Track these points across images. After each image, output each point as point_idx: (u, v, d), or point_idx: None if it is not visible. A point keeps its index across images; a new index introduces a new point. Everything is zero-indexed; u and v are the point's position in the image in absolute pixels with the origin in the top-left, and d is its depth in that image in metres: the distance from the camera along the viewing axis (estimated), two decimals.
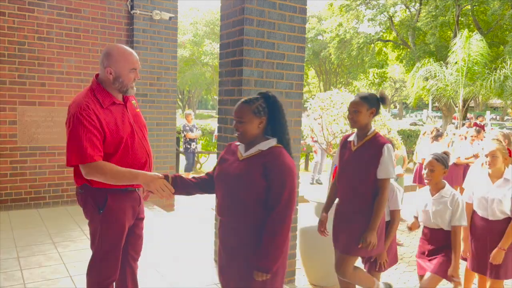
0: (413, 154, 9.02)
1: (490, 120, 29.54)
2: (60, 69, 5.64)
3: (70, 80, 5.71)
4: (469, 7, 20.93)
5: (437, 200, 2.91)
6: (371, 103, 2.65)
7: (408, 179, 7.78)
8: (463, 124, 12.47)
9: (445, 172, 2.92)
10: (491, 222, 3.04)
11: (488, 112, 31.67)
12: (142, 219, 2.47)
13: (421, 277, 3.06)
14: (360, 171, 2.66)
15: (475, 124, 12.02)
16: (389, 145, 2.63)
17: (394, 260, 3.11)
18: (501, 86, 14.13)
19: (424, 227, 3.05)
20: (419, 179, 6.82)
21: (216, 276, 3.57)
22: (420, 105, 39.49)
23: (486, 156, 3.07)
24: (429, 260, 2.96)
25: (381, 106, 2.75)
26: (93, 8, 5.80)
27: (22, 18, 5.36)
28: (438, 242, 2.93)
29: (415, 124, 29.53)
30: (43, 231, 4.55)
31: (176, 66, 6.44)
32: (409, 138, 12.66)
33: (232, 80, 3.51)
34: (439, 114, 36.51)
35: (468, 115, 17.95)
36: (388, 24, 25.50)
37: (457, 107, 15.03)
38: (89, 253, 2.32)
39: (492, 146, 3.06)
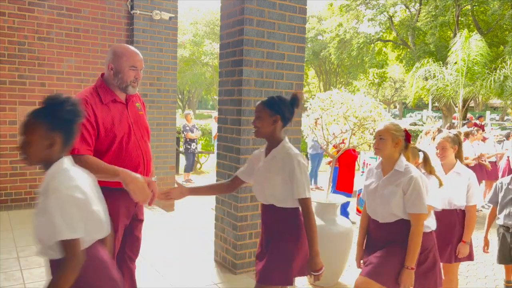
0: None
1: (490, 120, 29.55)
2: (60, 69, 5.64)
3: (70, 80, 5.71)
4: (469, 7, 20.94)
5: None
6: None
7: None
8: (463, 124, 12.46)
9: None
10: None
11: (488, 112, 31.68)
12: (141, 220, 2.46)
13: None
14: None
15: (475, 124, 12.01)
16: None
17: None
18: (501, 86, 14.13)
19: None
20: None
21: (216, 276, 3.57)
22: (420, 105, 39.47)
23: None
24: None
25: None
26: (93, 8, 5.80)
27: (22, 18, 5.36)
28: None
29: (415, 124, 29.53)
30: None
31: (176, 66, 6.44)
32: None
33: (232, 80, 3.51)
34: (439, 114, 36.51)
35: (468, 115, 17.93)
36: (388, 24, 25.50)
37: (457, 107, 15.04)
38: None
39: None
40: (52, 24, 5.55)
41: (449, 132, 3.14)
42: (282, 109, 2.20)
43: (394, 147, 2.49)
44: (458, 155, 3.11)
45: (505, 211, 3.32)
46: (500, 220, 3.37)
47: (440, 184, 2.76)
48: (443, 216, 3.02)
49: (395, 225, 2.47)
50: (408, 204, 2.41)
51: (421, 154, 2.87)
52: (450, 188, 3.00)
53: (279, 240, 2.20)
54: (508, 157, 7.75)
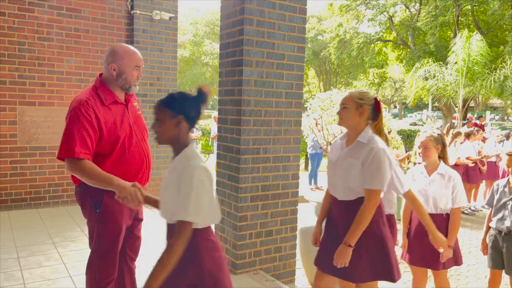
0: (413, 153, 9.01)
1: (490, 120, 29.55)
2: (60, 69, 5.64)
3: (70, 80, 5.71)
4: (469, 7, 20.95)
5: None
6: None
7: None
8: (463, 124, 12.46)
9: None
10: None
11: (488, 112, 31.67)
12: (141, 220, 2.47)
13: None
14: None
15: (475, 124, 12.02)
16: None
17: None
18: (501, 86, 14.14)
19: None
20: None
21: None
22: (420, 105, 39.48)
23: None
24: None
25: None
26: (93, 8, 5.80)
27: (22, 18, 5.36)
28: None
29: (415, 124, 29.55)
30: (43, 231, 4.55)
31: (176, 66, 6.43)
32: (409, 138, 12.67)
33: (232, 80, 3.51)
34: (439, 114, 36.49)
35: (468, 115, 17.94)
36: (388, 24, 25.51)
37: (457, 107, 15.04)
38: (89, 253, 2.32)
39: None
40: (52, 24, 5.55)
41: (433, 132, 3.02)
42: (186, 108, 1.79)
43: (359, 117, 2.27)
44: (442, 156, 2.99)
45: (499, 215, 3.20)
46: (493, 223, 3.24)
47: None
48: None
49: (355, 204, 2.24)
50: (365, 178, 2.18)
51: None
52: (434, 190, 2.90)
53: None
54: None
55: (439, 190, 2.90)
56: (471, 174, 7.18)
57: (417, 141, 3.05)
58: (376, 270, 2.31)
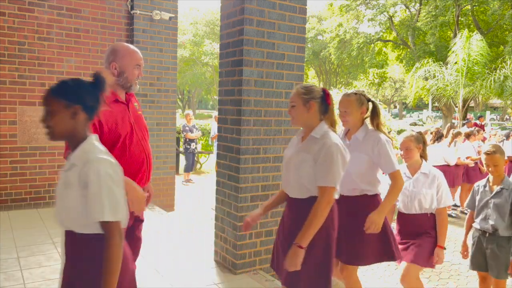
0: None
1: (490, 120, 29.55)
2: (60, 69, 5.64)
3: None
4: (469, 7, 20.95)
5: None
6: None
7: None
8: (463, 124, 12.46)
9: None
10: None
11: (488, 112, 31.66)
12: (142, 221, 2.46)
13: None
14: None
15: (475, 124, 12.02)
16: None
17: None
18: (501, 86, 14.15)
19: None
20: None
21: (216, 276, 3.57)
22: (420, 105, 39.48)
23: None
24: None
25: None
26: (93, 8, 5.79)
27: (22, 18, 5.36)
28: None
29: (415, 124, 29.58)
30: (43, 231, 4.55)
31: (176, 66, 6.43)
32: None
33: (232, 80, 3.51)
34: (439, 114, 36.50)
35: (468, 115, 17.96)
36: (388, 24, 25.52)
37: (457, 107, 15.04)
38: None
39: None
40: (52, 24, 5.55)
41: (412, 131, 3.00)
42: (82, 96, 1.57)
43: (307, 113, 2.15)
44: (423, 155, 2.96)
45: (481, 215, 3.12)
46: (476, 223, 3.18)
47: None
48: (414, 220, 2.92)
49: (308, 203, 2.10)
50: (317, 174, 2.07)
51: (370, 104, 2.65)
52: (418, 190, 2.87)
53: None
54: (508, 157, 7.75)
55: (423, 190, 2.87)
56: (471, 174, 7.18)
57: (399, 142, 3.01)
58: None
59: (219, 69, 3.73)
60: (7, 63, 5.31)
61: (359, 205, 2.60)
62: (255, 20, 3.37)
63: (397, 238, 3.00)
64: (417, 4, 23.95)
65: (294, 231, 2.09)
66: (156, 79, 6.09)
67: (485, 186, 3.18)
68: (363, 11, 26.89)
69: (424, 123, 34.59)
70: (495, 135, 8.67)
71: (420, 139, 2.93)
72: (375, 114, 2.65)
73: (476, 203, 3.20)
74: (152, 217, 5.38)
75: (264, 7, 3.39)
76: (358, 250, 2.58)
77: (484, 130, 10.94)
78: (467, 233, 3.33)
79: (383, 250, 2.60)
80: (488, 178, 3.19)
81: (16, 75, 5.38)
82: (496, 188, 3.07)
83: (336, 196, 2.13)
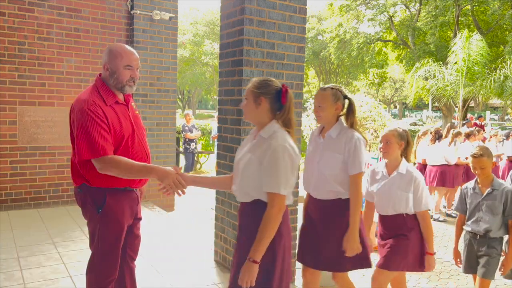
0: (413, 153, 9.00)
1: (490, 120, 29.56)
2: (60, 69, 5.64)
3: (70, 80, 5.71)
4: (469, 7, 20.95)
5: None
6: None
7: None
8: (463, 124, 12.46)
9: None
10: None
11: (488, 112, 31.67)
12: (140, 219, 2.47)
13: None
14: None
15: (475, 124, 12.02)
16: None
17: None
18: (501, 86, 14.16)
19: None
20: None
21: (216, 276, 3.57)
22: (420, 105, 39.48)
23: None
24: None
25: None
26: (93, 8, 5.80)
27: (22, 18, 5.36)
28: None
29: (415, 124, 29.57)
30: (43, 231, 4.55)
31: (176, 66, 6.43)
32: None
33: (232, 80, 3.51)
34: (439, 114, 36.51)
35: (468, 115, 17.97)
36: (388, 24, 25.51)
37: (457, 107, 15.05)
38: (89, 253, 2.32)
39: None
40: (52, 24, 5.55)
41: (398, 127, 2.84)
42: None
43: (257, 109, 1.97)
44: (405, 154, 2.78)
45: (473, 218, 3.05)
46: (468, 226, 3.09)
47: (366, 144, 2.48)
48: (391, 221, 2.76)
49: (252, 207, 1.94)
50: (262, 179, 1.87)
51: (346, 101, 2.54)
52: (393, 192, 2.71)
53: None
54: (508, 157, 7.75)
55: (398, 192, 2.69)
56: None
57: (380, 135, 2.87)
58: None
59: (219, 69, 3.73)
60: (7, 63, 5.31)
61: (335, 210, 2.51)
62: (255, 20, 3.37)
63: (378, 240, 2.91)
64: (417, 4, 23.95)
65: (239, 237, 2.01)
66: (156, 79, 6.08)
67: (474, 188, 3.10)
68: (363, 11, 26.88)
69: (424, 123, 34.59)
70: (495, 135, 8.65)
71: (403, 136, 2.75)
72: (350, 111, 2.53)
73: (468, 205, 3.12)
74: (152, 217, 5.38)
75: (264, 7, 3.39)
76: (336, 257, 2.50)
77: (484, 130, 10.94)
78: (457, 239, 3.25)
79: (358, 258, 2.50)
80: (476, 180, 3.12)
81: (16, 75, 5.38)
82: (487, 190, 3.02)
83: (289, 202, 1.94)
